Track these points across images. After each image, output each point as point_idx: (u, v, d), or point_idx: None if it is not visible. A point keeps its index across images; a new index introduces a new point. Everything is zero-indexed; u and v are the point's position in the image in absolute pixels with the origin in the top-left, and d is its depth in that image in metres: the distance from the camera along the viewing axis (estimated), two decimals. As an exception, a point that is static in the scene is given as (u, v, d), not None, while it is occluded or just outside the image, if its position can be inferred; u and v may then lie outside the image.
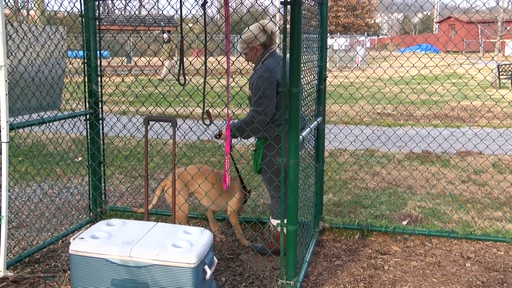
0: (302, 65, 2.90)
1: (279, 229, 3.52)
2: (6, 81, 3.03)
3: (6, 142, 3.10)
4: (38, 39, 3.57)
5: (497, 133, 6.51)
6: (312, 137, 3.88)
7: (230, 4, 3.25)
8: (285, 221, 2.95)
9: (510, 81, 16.45)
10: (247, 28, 3.59)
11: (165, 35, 18.86)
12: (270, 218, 3.84)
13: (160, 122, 3.48)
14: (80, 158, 6.55)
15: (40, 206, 4.76)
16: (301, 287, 3.26)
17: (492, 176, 5.49)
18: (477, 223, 4.39)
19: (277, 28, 3.67)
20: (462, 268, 3.63)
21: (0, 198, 3.27)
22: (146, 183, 3.22)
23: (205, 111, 3.65)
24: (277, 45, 3.64)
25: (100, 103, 4.26)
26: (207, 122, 3.73)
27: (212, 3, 3.57)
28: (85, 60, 4.14)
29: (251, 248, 3.92)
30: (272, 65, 3.44)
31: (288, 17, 2.74)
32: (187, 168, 3.84)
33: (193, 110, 4.95)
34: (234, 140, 3.87)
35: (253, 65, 3.68)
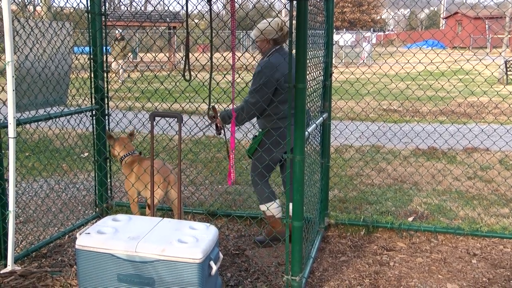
0: (308, 61, 2.89)
1: (267, 213, 3.76)
2: (13, 76, 3.04)
3: (13, 138, 3.12)
4: (44, 35, 3.58)
5: (504, 130, 6.47)
6: (318, 133, 3.88)
7: (236, 0, 3.24)
8: (291, 213, 2.95)
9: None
10: (270, 20, 3.62)
11: (117, 32, 16.91)
12: (260, 205, 3.90)
13: (166, 118, 3.48)
14: (86, 154, 6.57)
15: (47, 201, 4.78)
16: (306, 283, 3.26)
17: (499, 173, 5.46)
18: (484, 219, 4.37)
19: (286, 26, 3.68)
20: (468, 264, 3.62)
21: (7, 193, 3.29)
22: (151, 178, 3.23)
23: (210, 107, 3.66)
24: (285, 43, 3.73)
25: (106, 99, 4.27)
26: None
27: (217, -2, 3.56)
28: (91, 56, 4.15)
29: (254, 241, 3.95)
30: (275, 62, 3.53)
31: (294, 13, 2.73)
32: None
33: (199, 106, 4.96)
34: (239, 135, 3.88)
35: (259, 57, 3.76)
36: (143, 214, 4.31)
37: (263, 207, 3.84)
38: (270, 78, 3.48)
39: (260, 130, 3.76)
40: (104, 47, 4.20)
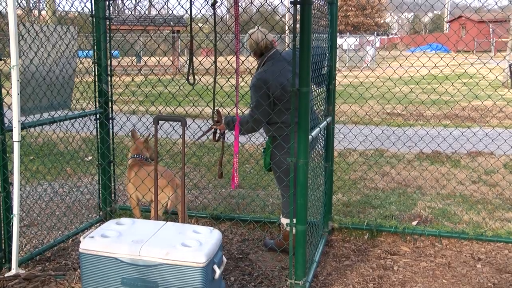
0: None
1: (288, 228, 3.54)
2: (18, 80, 3.06)
3: (18, 141, 3.13)
4: (49, 39, 3.60)
5: (509, 133, 6.45)
6: (322, 137, 3.87)
7: (239, 4, 3.25)
8: (294, 220, 2.95)
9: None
10: (256, 30, 3.60)
11: None
12: (281, 216, 3.84)
13: (170, 122, 3.49)
14: (90, 157, 6.59)
15: (51, 205, 4.79)
16: (310, 287, 3.25)
17: (503, 177, 5.43)
18: (488, 224, 4.35)
19: (287, 28, 3.68)
20: (472, 269, 3.60)
21: (12, 196, 3.30)
22: (155, 182, 3.23)
23: (214, 110, 3.66)
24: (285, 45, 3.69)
25: (110, 103, 4.29)
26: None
27: (221, 2, 3.58)
28: (95, 60, 4.16)
29: (263, 244, 3.94)
30: (269, 72, 3.48)
31: (298, 17, 2.73)
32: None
33: (203, 109, 4.97)
34: (243, 139, 3.88)
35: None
36: (147, 217, 4.31)
37: (284, 221, 3.78)
38: (266, 91, 3.42)
39: (266, 137, 3.73)
40: (109, 51, 4.22)
